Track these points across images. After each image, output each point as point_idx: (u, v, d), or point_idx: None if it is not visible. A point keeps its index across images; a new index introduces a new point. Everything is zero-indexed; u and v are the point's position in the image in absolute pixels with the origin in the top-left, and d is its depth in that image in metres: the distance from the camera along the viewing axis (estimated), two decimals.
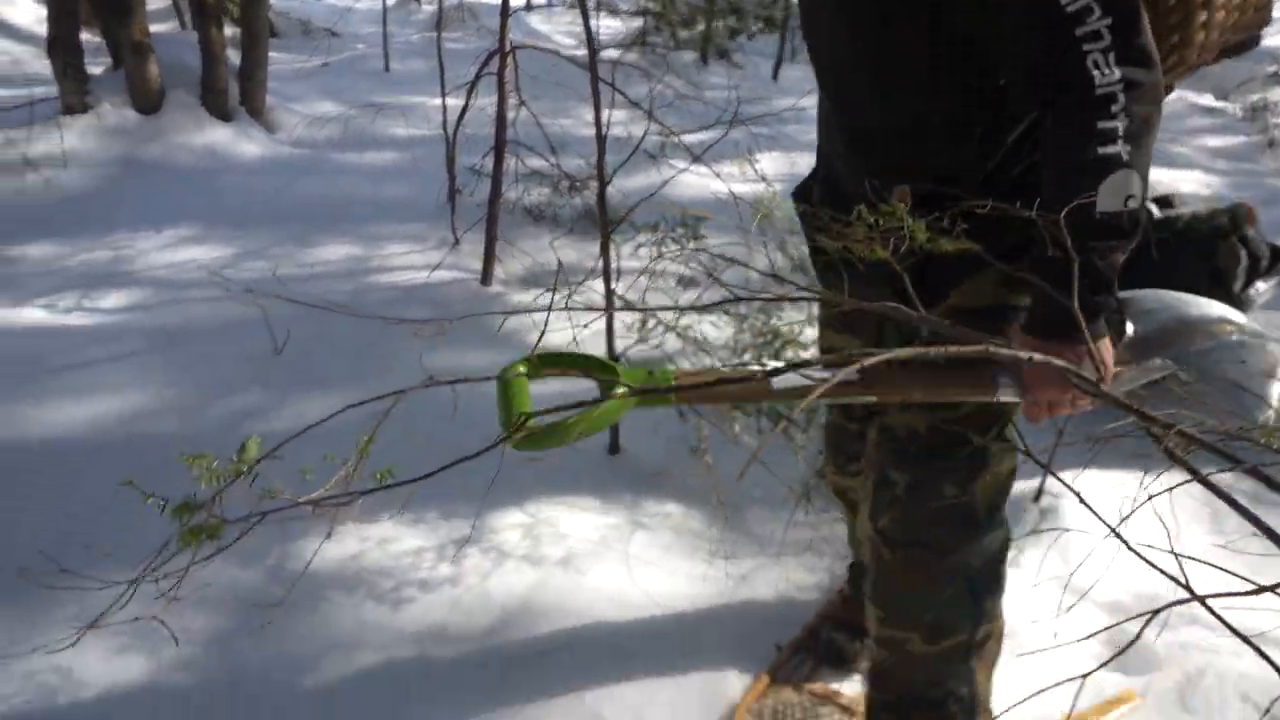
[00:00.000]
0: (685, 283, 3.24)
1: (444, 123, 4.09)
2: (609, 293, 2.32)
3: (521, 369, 1.16)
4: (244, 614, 2.02)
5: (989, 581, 1.58)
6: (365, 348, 3.05)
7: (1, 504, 2.35)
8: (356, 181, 4.80)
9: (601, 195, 2.25)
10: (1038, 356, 0.94)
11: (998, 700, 1.71)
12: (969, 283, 1.38)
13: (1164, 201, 3.68)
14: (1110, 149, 1.16)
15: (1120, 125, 1.17)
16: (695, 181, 3.52)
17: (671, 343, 2.65)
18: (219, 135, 5.02)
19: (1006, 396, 1.28)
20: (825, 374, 1.15)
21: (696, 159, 2.67)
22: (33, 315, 3.36)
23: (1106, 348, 1.24)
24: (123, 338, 3.20)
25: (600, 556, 2.24)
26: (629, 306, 2.36)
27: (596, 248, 4.04)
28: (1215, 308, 2.94)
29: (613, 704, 1.84)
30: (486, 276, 3.53)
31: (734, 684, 1.93)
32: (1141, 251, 1.50)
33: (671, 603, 2.13)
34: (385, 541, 2.25)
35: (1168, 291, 3.06)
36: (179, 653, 1.91)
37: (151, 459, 2.48)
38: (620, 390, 1.03)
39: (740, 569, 2.23)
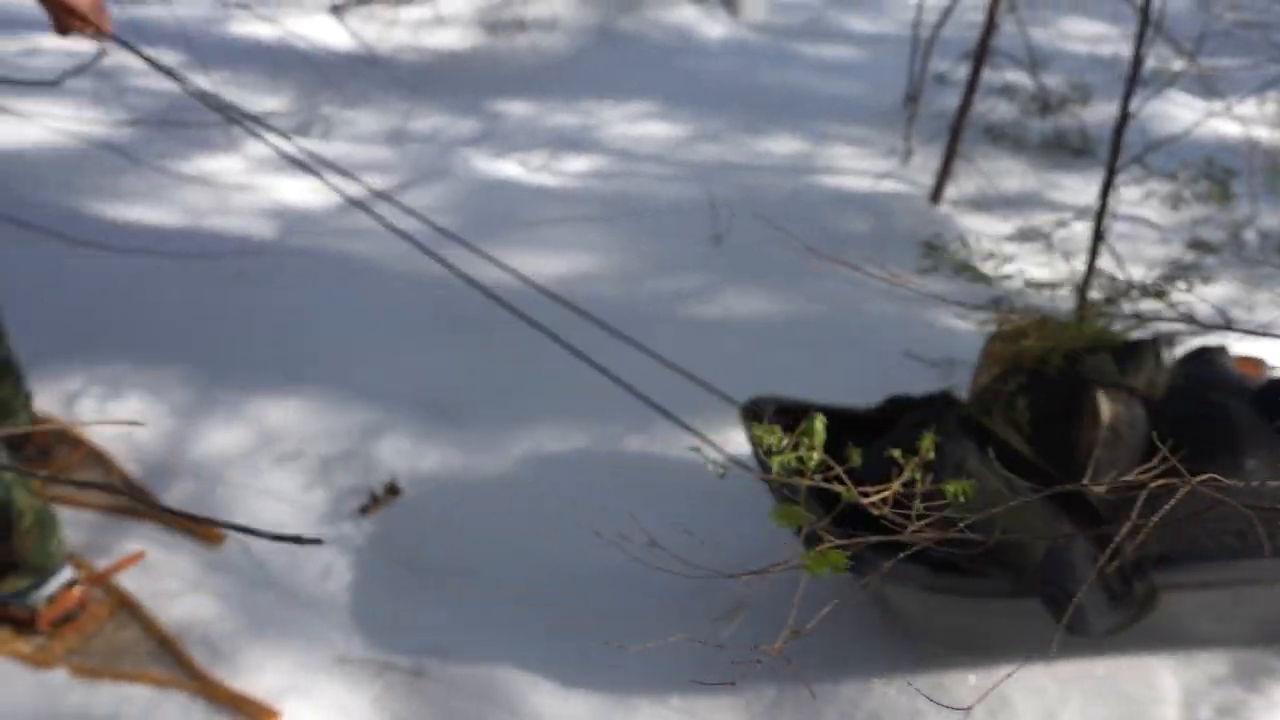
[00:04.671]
0: (1195, 246, 2.71)
1: (916, 21, 3.85)
2: (1097, 235, 2.05)
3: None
4: None
5: None
6: (803, 253, 3.01)
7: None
8: (811, 74, 4.71)
9: (1120, 127, 1.96)
10: None
11: None
12: None
13: None
14: None
15: None
16: (1193, 119, 3.02)
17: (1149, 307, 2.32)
18: (688, 14, 5.14)
19: None
20: None
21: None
22: (509, 169, 3.69)
23: None
24: (583, 201, 3.43)
25: None
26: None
27: (1062, 179, 3.66)
28: None
29: None
30: (938, 194, 3.32)
31: None
32: None
33: None
34: None
35: None
36: None
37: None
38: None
39: None
